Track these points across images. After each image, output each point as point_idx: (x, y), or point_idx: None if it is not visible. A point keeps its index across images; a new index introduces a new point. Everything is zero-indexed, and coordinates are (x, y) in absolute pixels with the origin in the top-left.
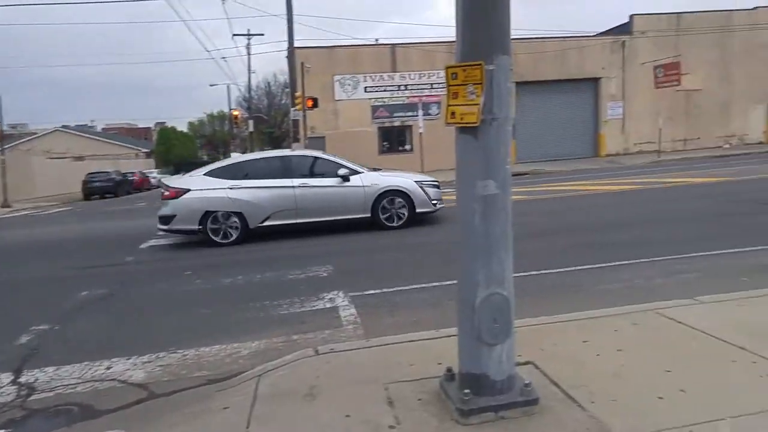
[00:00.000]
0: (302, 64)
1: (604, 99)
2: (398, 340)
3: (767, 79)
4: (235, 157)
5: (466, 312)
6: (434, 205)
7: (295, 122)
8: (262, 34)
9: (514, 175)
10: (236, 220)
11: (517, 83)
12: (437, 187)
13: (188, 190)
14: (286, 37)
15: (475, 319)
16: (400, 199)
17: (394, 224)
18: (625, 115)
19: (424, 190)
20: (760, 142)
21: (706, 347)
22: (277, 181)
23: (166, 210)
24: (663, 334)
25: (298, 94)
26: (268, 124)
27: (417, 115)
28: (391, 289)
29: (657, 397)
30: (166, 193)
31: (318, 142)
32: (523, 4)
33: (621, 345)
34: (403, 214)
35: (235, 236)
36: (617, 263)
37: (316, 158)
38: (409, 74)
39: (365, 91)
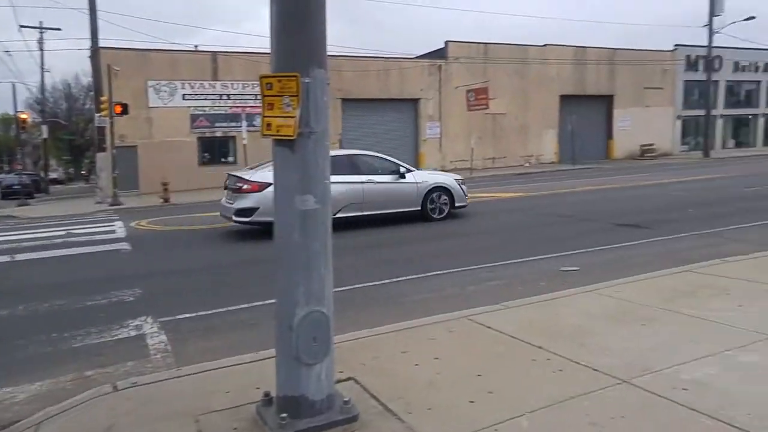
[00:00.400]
0: (109, 66)
1: (423, 119)
2: (213, 367)
3: (555, 107)
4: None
5: (283, 332)
6: (465, 200)
7: (101, 129)
8: (59, 29)
9: None
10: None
11: (343, 99)
12: (464, 184)
13: (271, 184)
14: (89, 35)
15: (293, 339)
16: (444, 195)
17: (439, 216)
18: (442, 135)
19: (461, 188)
20: (552, 162)
21: (511, 349)
22: (349, 177)
23: (246, 202)
24: (474, 340)
25: (104, 98)
26: (67, 130)
27: (240, 126)
28: (209, 312)
29: (469, 401)
30: (246, 186)
31: (128, 153)
32: (350, 22)
33: (437, 353)
34: (446, 207)
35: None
36: (435, 273)
37: (376, 157)
38: (232, 84)
39: (183, 99)
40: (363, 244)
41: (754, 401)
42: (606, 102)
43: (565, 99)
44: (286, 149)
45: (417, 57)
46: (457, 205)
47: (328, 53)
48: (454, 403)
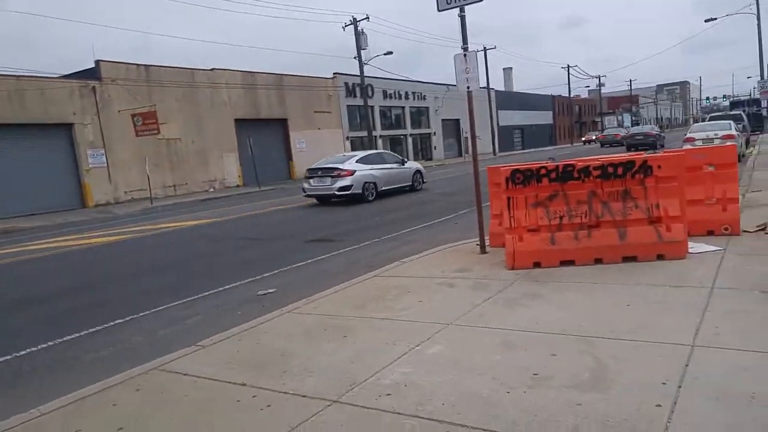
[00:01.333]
0: None
1: (82, 146)
2: None
3: (232, 131)
4: (364, 152)
5: None
6: (425, 179)
7: None
8: None
9: None
10: (374, 187)
11: None
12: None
13: (355, 171)
14: None
15: None
16: (419, 175)
17: (418, 188)
18: (109, 163)
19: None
20: (238, 185)
21: (212, 394)
22: (383, 165)
23: (345, 182)
24: (169, 394)
25: None
26: None
27: None
28: None
29: None
30: (344, 172)
31: None
32: None
33: (122, 422)
34: (420, 184)
35: (373, 197)
36: (115, 323)
37: (390, 153)
38: None
39: None
40: (15, 299)
41: (444, 390)
42: (282, 125)
43: (241, 123)
44: None
45: (62, 77)
46: (424, 181)
47: None
48: None
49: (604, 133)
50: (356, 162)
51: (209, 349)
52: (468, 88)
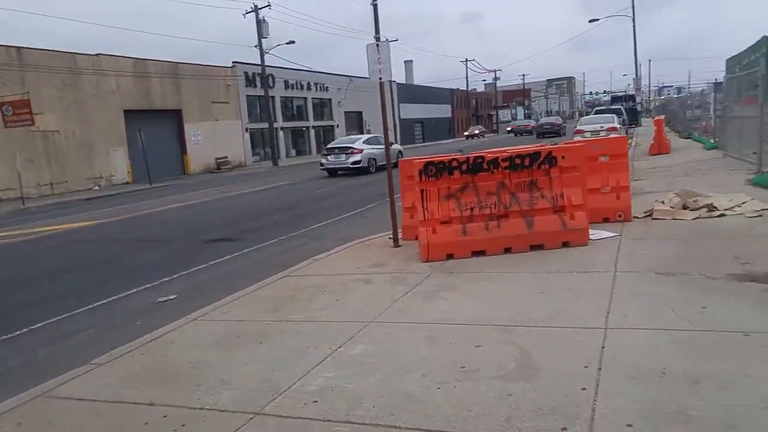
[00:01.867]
0: None
1: None
2: None
3: (121, 122)
4: (366, 135)
5: None
6: None
7: None
8: None
9: None
10: (374, 162)
11: None
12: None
13: (363, 150)
14: None
15: None
16: (401, 155)
17: None
18: None
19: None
20: (126, 182)
21: (114, 419)
22: (379, 145)
23: (357, 158)
24: (63, 426)
25: None
26: None
27: None
28: None
29: None
30: (355, 150)
31: None
32: None
33: None
34: None
35: (374, 170)
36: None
37: (382, 136)
38: None
39: None
40: None
41: (373, 391)
42: (176, 116)
43: (131, 114)
44: None
45: None
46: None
47: None
48: None
49: (516, 124)
50: (363, 143)
51: (107, 367)
52: (380, 78)
